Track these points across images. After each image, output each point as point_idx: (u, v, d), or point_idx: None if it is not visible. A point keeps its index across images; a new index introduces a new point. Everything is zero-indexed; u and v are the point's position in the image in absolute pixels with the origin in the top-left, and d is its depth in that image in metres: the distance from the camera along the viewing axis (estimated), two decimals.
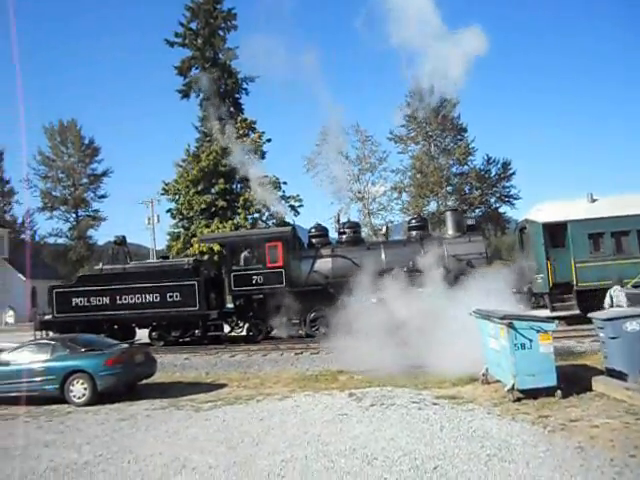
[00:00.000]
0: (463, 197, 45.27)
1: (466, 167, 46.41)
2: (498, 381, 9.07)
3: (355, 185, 43.92)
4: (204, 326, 18.44)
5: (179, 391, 11.12)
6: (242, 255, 18.56)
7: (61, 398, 10.25)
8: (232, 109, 42.07)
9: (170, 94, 49.15)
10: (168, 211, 39.52)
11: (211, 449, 6.86)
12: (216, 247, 31.54)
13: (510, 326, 7.97)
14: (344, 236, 18.99)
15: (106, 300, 18.58)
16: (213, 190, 37.54)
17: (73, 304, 18.77)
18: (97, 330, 16.24)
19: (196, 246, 34.04)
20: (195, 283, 18.22)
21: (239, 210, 36.89)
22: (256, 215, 37.11)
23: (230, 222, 36.08)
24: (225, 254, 21.19)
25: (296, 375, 12.31)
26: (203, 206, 36.76)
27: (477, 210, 45.89)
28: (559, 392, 8.00)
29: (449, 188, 45.73)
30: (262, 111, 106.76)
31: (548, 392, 8.05)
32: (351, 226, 19.55)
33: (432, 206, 45.32)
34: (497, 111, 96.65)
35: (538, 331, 7.96)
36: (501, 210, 47.17)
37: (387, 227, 22.08)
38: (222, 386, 11.56)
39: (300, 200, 38.53)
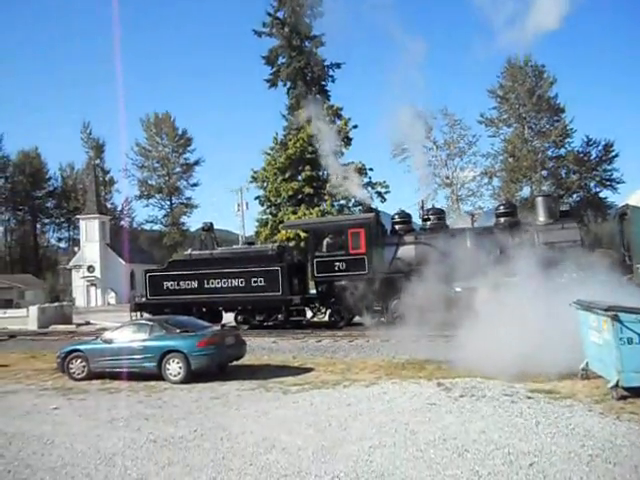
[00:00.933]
0: (559, 181, 43.00)
1: (563, 150, 44.07)
2: (599, 377, 8.51)
3: (443, 170, 42.91)
4: (287, 311, 18.78)
5: (268, 373, 11.38)
6: (325, 241, 18.70)
7: (158, 375, 10.79)
8: (318, 96, 42.33)
9: (259, 83, 50.22)
10: (256, 198, 40.69)
11: (300, 431, 6.96)
12: (302, 233, 32.02)
13: (615, 319, 7.41)
14: (428, 223, 18.59)
15: (194, 284, 19.37)
16: (300, 177, 38.11)
17: (164, 287, 19.74)
18: (186, 312, 16.88)
19: (283, 232, 34.73)
20: (279, 269, 18.56)
21: (325, 197, 37.17)
22: (342, 202, 37.25)
23: (316, 209, 36.48)
24: (308, 240, 21.38)
25: (382, 362, 12.24)
26: (290, 193, 37.45)
27: (575, 195, 43.48)
28: None
29: (544, 172, 43.54)
30: (349, 97, 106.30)
31: None
32: (435, 212, 19.10)
33: (525, 191, 43.40)
34: (601, 87, 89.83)
35: None
36: (602, 195, 44.33)
37: (473, 215, 21.35)
38: (309, 370, 11.70)
39: (387, 186, 38.31)
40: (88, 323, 26.06)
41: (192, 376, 10.62)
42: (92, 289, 53.45)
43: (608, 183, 44.23)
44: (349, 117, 39.39)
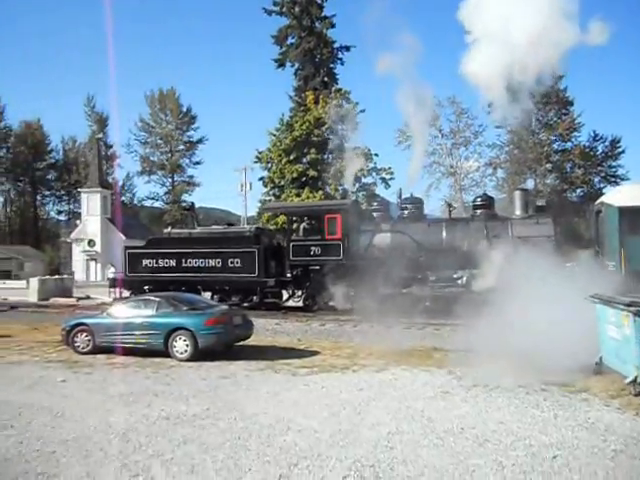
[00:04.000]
0: (564, 176, 42.69)
1: (569, 143, 43.59)
2: (614, 372, 8.41)
3: (447, 160, 42.47)
4: (262, 293, 18.74)
5: (274, 355, 11.31)
6: (302, 226, 18.78)
7: (164, 352, 10.71)
8: (326, 79, 41.86)
9: (266, 63, 49.63)
10: (260, 179, 40.30)
11: (314, 414, 6.87)
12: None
13: (637, 314, 7.31)
14: (405, 212, 18.51)
15: (172, 262, 19.32)
16: (305, 160, 37.71)
17: (143, 265, 19.67)
18: (163, 290, 16.44)
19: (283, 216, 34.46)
20: (255, 251, 18.55)
21: (329, 180, 36.81)
22: (346, 186, 36.94)
23: (320, 192, 36.18)
24: (287, 224, 21.22)
25: (388, 348, 12.11)
26: (294, 175, 37.07)
27: (578, 190, 43.22)
28: None
29: (549, 165, 43.18)
30: (357, 81, 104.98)
31: None
32: (413, 202, 18.95)
33: (529, 184, 42.99)
34: (612, 82, 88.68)
35: None
36: (605, 191, 44.08)
37: (449, 204, 21.34)
38: (315, 353, 11.64)
39: (391, 173, 37.96)
40: (88, 297, 25.96)
41: (199, 354, 10.54)
42: (92, 263, 53.21)
43: (612, 179, 43.98)
44: (357, 101, 38.93)
